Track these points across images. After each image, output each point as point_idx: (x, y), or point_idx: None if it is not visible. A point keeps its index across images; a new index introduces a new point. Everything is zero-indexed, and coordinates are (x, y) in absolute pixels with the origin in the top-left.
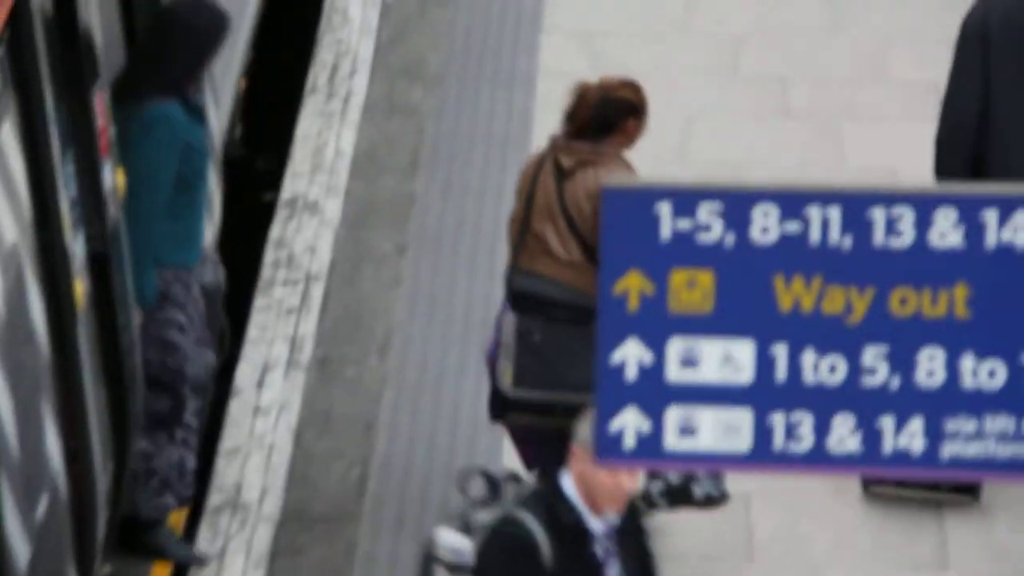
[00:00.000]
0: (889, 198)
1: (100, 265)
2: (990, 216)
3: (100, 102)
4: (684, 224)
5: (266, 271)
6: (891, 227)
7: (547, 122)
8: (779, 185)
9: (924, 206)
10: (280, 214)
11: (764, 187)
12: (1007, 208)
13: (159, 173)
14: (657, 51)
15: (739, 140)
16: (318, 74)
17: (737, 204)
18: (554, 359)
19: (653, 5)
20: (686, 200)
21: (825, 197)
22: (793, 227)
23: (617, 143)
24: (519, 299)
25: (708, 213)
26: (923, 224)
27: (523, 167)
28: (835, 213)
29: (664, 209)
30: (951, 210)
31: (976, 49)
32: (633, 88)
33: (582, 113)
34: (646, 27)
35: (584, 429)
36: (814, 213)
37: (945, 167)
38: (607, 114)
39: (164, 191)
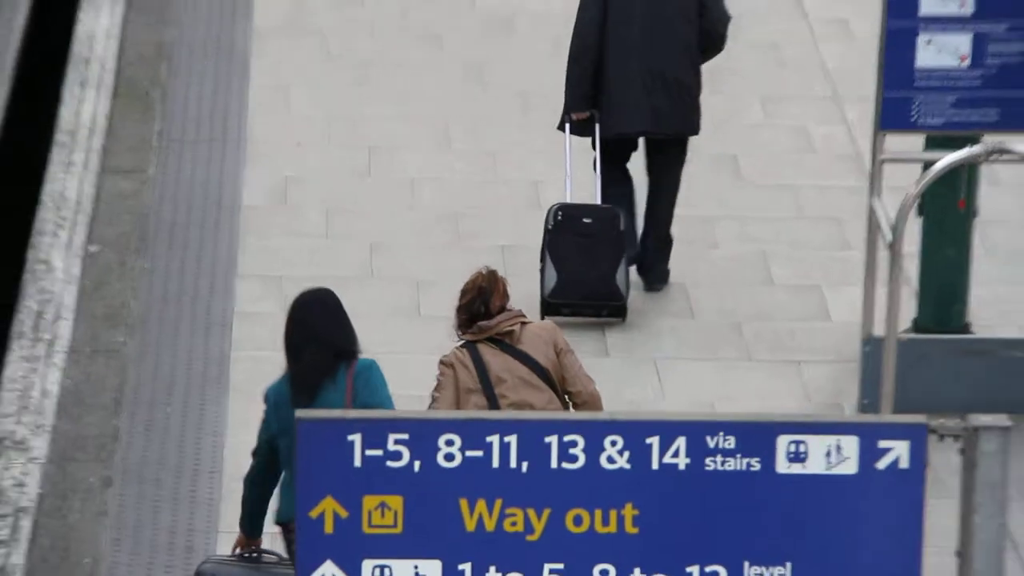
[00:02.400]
0: (562, 427)
1: None
2: (653, 442)
3: None
4: (375, 452)
5: None
6: (564, 452)
7: (243, 361)
8: (462, 415)
9: (594, 433)
10: None
11: (448, 417)
12: (668, 435)
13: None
14: (343, 295)
15: (426, 377)
16: (24, 320)
17: (423, 434)
18: None
19: (339, 252)
20: (376, 430)
21: (504, 426)
22: (475, 453)
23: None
24: None
25: (396, 442)
26: (593, 449)
27: (447, 369)
28: (513, 440)
29: (356, 439)
30: (618, 437)
31: None
32: None
33: (500, 294)
34: (333, 272)
35: None
36: (494, 440)
37: (574, 78)
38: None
39: None
